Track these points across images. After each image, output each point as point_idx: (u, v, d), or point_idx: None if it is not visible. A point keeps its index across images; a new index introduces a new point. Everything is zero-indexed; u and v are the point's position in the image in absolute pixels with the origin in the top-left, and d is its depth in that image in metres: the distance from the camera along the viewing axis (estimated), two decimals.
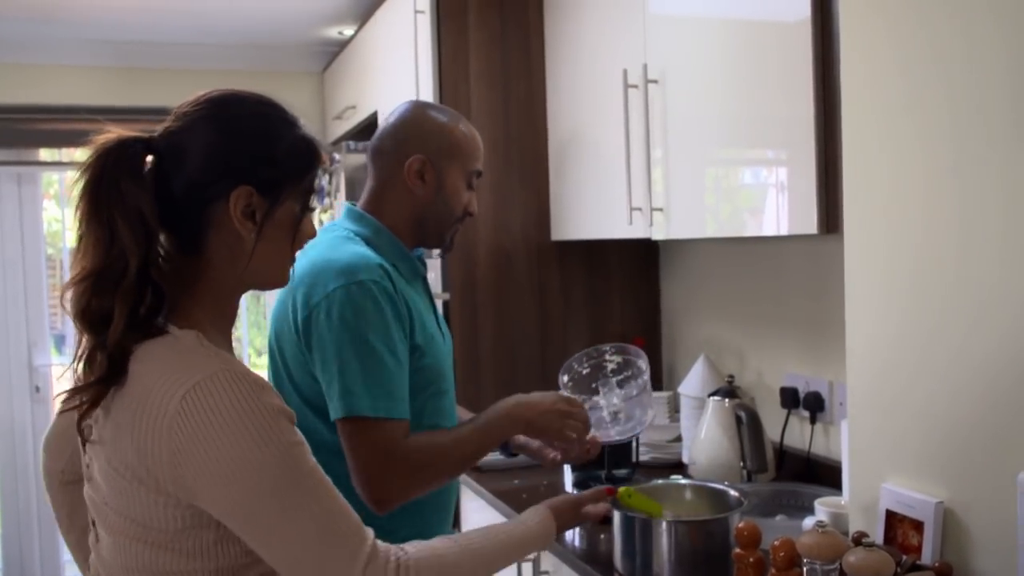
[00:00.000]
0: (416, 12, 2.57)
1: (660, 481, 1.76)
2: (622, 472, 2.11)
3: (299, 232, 1.12)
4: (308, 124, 1.15)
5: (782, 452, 2.18)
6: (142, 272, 1.00)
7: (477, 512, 2.30)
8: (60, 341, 4.07)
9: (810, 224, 1.58)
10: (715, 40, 1.85)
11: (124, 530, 1.02)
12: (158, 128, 1.08)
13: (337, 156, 3.15)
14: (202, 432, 0.95)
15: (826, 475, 2.01)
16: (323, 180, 3.34)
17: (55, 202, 4.08)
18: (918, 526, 1.34)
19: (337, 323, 1.46)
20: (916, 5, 1.29)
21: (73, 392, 1.02)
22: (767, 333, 2.33)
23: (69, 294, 1.00)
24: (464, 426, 1.60)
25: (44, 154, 3.91)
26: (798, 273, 2.18)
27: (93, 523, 1.11)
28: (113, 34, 3.63)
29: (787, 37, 1.63)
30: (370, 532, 1.07)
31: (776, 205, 1.70)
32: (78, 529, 1.26)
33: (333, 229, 1.65)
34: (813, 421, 2.12)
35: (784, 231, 1.67)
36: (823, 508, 1.63)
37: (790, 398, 2.17)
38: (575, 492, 1.38)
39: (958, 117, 1.23)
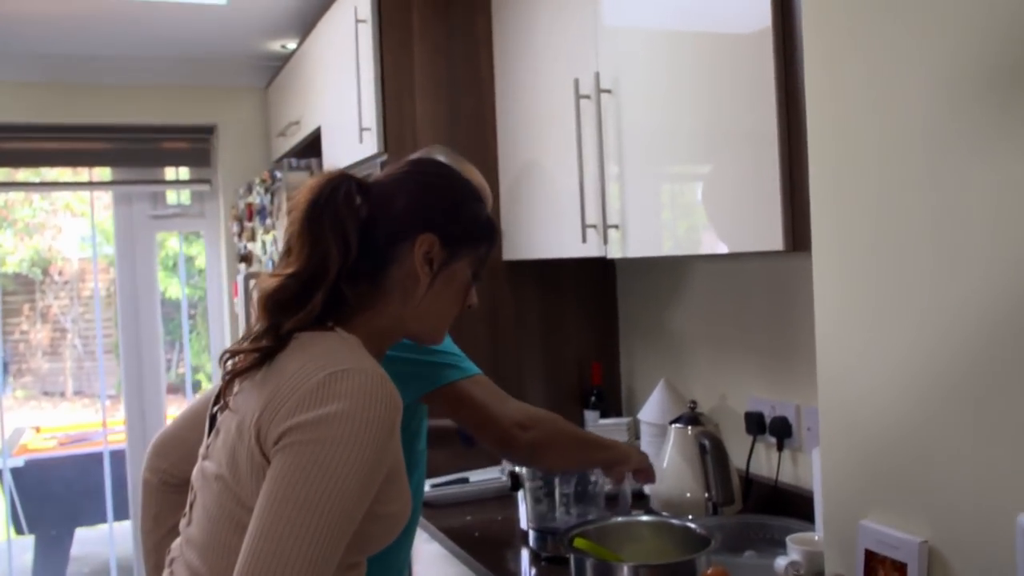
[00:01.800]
0: (357, 21, 2.43)
1: (620, 519, 1.63)
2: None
3: (468, 295, 1.27)
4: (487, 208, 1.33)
5: (748, 481, 2.06)
6: (335, 281, 1.14)
7: (427, 546, 2.16)
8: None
9: (775, 241, 1.48)
10: (671, 49, 1.75)
11: (223, 504, 1.07)
12: (372, 177, 1.27)
13: (279, 174, 3.00)
14: (324, 408, 1.00)
15: (796, 505, 1.90)
16: (264, 199, 3.19)
17: None
18: (901, 568, 1.23)
19: None
20: (881, 10, 1.19)
21: (234, 352, 1.13)
22: (731, 355, 2.22)
23: (266, 283, 1.14)
24: None
25: None
26: (762, 292, 2.08)
27: (191, 506, 1.17)
28: (41, 47, 3.43)
29: (747, 47, 1.53)
30: None
31: (738, 222, 1.59)
32: (161, 531, 1.36)
33: None
34: (780, 448, 2.01)
35: (747, 248, 1.56)
36: (796, 547, 1.51)
37: (755, 423, 2.06)
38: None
39: (929, 125, 1.13)
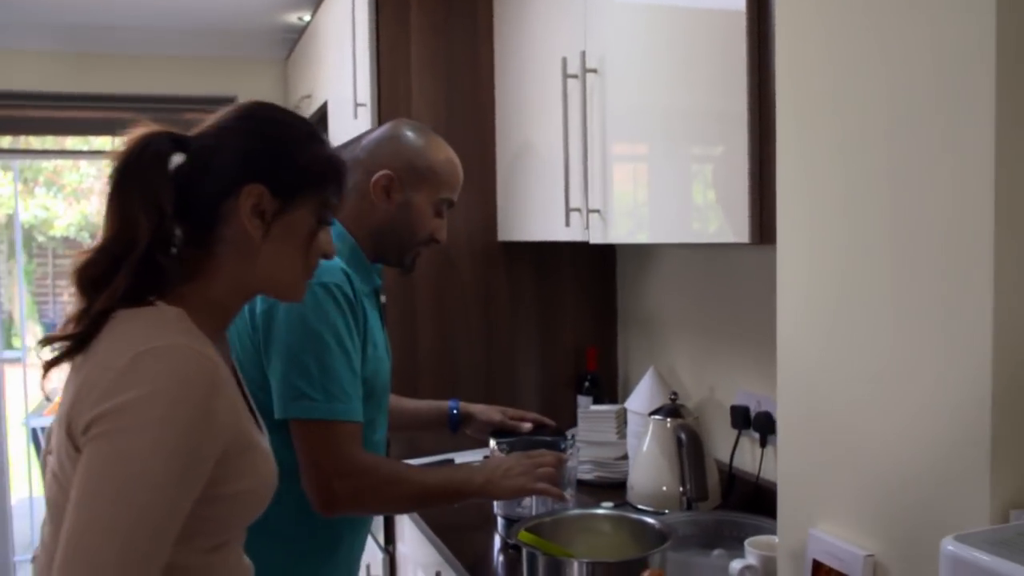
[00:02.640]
0: None
1: (577, 511, 1.59)
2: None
3: (313, 244, 1.15)
4: (335, 147, 1.22)
5: (731, 476, 2.01)
6: (148, 253, 1.04)
7: (411, 531, 2.15)
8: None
9: (742, 233, 1.41)
10: (652, 27, 1.68)
11: (59, 502, 0.99)
12: (194, 129, 1.14)
13: None
14: (130, 393, 0.94)
15: (775, 504, 1.84)
16: None
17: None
18: None
19: (296, 322, 1.44)
20: None
21: (45, 342, 1.05)
22: (722, 346, 2.16)
23: (78, 259, 1.06)
24: (433, 471, 1.59)
25: None
26: (757, 283, 2.01)
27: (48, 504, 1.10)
28: (66, 17, 3.46)
29: (722, 26, 1.46)
30: None
31: (707, 212, 1.53)
32: None
33: None
34: (763, 444, 1.95)
35: (714, 240, 1.50)
36: (753, 550, 1.46)
37: (741, 417, 2.00)
38: None
39: (901, 114, 1.06)
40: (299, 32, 3.57)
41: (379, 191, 1.63)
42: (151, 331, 1.00)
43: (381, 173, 1.62)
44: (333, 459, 1.43)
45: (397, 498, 1.53)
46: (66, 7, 3.33)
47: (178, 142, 1.11)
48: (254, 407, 1.23)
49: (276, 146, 1.13)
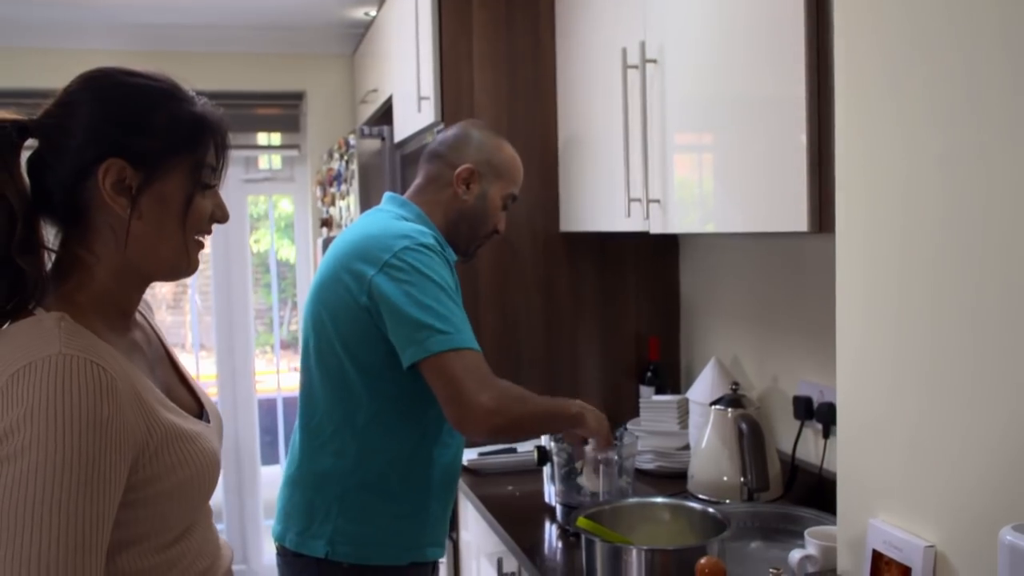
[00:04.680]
0: None
1: (634, 499, 1.60)
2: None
3: (191, 212, 1.04)
4: (207, 101, 1.07)
5: (793, 468, 1.99)
6: (4, 258, 0.95)
7: (474, 518, 2.18)
8: None
9: (801, 221, 1.40)
10: (712, 14, 1.67)
11: None
12: (39, 111, 1.03)
13: (352, 141, 3.05)
14: (11, 416, 0.87)
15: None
16: (340, 165, 3.26)
17: None
18: (905, 571, 1.17)
19: (415, 274, 1.58)
20: None
21: None
22: (785, 335, 2.14)
23: None
24: (541, 397, 1.69)
25: None
26: (820, 272, 1.99)
27: None
28: (139, 17, 3.59)
29: (782, 14, 1.45)
30: None
31: (769, 199, 1.52)
32: None
33: (377, 211, 1.79)
34: (826, 435, 1.93)
35: (772, 228, 1.49)
36: (813, 540, 1.45)
37: (803, 408, 1.99)
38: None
39: (964, 99, 1.05)
40: (365, 27, 3.63)
41: (461, 182, 1.78)
42: (27, 345, 0.91)
43: (464, 167, 1.78)
44: (476, 378, 1.54)
45: (524, 416, 1.64)
46: (139, 7, 3.44)
47: (21, 128, 1.00)
48: (197, 388, 1.18)
49: (126, 113, 1.01)
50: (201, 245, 1.08)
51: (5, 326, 0.96)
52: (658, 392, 2.49)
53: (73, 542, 0.87)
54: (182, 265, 1.07)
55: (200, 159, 1.04)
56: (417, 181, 1.83)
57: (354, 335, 1.63)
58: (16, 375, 0.88)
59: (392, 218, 1.72)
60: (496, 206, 1.83)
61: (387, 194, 1.83)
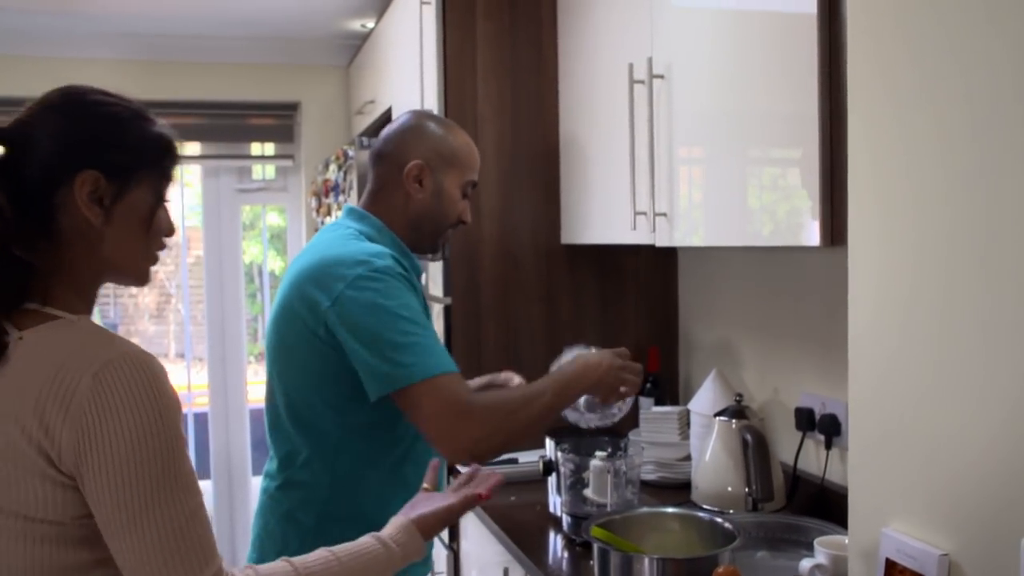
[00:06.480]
0: (422, 3, 2.45)
1: (645, 509, 1.62)
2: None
3: (154, 223, 1.14)
4: (162, 121, 1.18)
5: (795, 478, 2.01)
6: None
7: (474, 524, 2.19)
8: None
9: (812, 236, 1.43)
10: (721, 31, 1.70)
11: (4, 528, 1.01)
12: (9, 119, 1.11)
13: (351, 152, 3.06)
14: (111, 411, 0.97)
15: (841, 506, 1.84)
16: (338, 176, 3.26)
17: None
18: None
19: (371, 304, 1.49)
20: None
21: None
22: (786, 348, 2.16)
23: None
24: (534, 385, 1.62)
25: None
26: (820, 284, 2.02)
27: None
28: (135, 27, 3.58)
29: (793, 29, 1.48)
30: (219, 557, 1.06)
31: (778, 214, 1.55)
32: None
33: (335, 228, 1.68)
34: (828, 446, 1.95)
35: (783, 243, 1.52)
36: (823, 549, 1.47)
37: (805, 419, 2.01)
38: (446, 493, 1.35)
39: (978, 116, 1.07)
40: (362, 39, 3.64)
41: (412, 180, 1.67)
42: (89, 346, 1.01)
43: (412, 163, 1.67)
44: (453, 408, 1.46)
45: (517, 427, 1.55)
46: (134, 17, 3.45)
47: None
48: None
49: (105, 128, 1.10)
50: (153, 258, 1.17)
51: (27, 333, 1.03)
52: (657, 403, 2.51)
53: (192, 509, 1.02)
54: (137, 274, 1.16)
55: (165, 172, 1.14)
56: (369, 187, 1.74)
57: (315, 369, 1.56)
58: (99, 375, 0.97)
59: (350, 236, 1.63)
60: (454, 197, 1.72)
61: (346, 206, 1.74)
